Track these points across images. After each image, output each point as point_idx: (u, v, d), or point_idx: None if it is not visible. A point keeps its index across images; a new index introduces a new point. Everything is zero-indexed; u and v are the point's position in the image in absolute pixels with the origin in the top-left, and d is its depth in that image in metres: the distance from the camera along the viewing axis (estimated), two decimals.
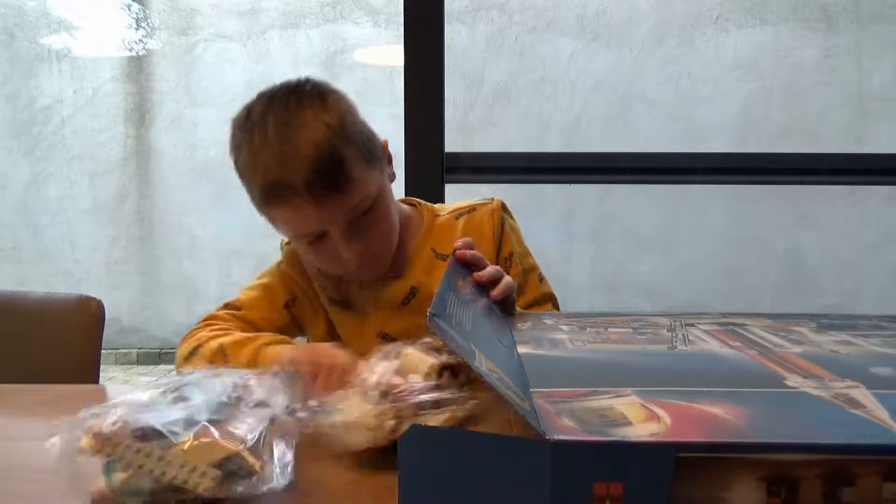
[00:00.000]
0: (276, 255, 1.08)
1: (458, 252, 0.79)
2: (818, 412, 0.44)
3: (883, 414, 0.43)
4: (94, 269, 4.87)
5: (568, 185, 3.94)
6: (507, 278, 0.80)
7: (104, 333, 1.19)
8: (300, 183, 0.85)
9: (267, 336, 0.91)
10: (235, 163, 0.92)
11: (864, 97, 4.07)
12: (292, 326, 1.03)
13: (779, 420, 0.43)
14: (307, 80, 0.92)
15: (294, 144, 0.85)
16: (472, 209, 1.06)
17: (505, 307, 0.79)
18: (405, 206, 1.06)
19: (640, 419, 0.42)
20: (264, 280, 1.04)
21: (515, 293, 0.84)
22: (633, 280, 4.31)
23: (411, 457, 0.41)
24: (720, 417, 0.42)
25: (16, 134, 4.82)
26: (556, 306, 1.07)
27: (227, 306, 1.01)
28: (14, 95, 4.80)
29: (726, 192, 4.02)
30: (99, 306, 1.18)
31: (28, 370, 1.11)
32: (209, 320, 0.98)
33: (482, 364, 0.46)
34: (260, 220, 0.95)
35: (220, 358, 0.88)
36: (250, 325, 0.98)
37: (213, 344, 0.90)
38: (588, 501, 0.38)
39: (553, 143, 4.29)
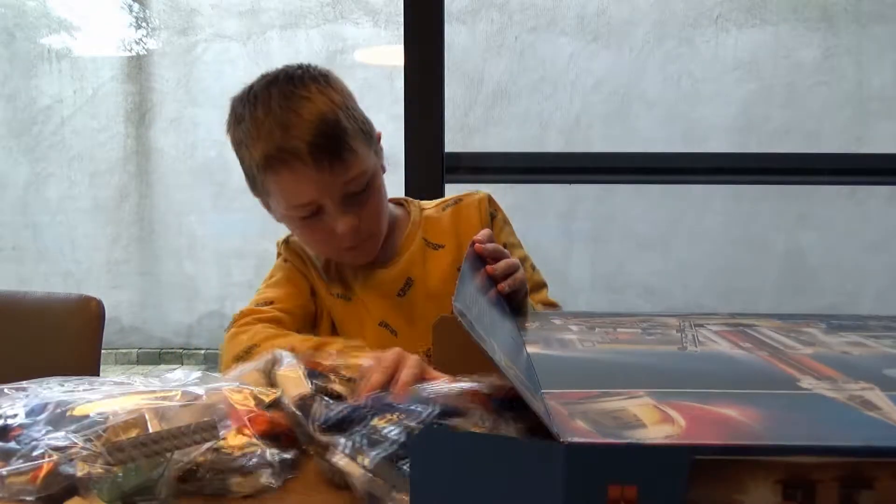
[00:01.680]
0: (275, 256, 1.07)
1: (476, 245, 0.79)
2: (834, 414, 0.43)
3: None
4: (94, 269, 4.86)
5: (568, 185, 3.93)
6: (520, 274, 0.79)
7: (104, 333, 1.18)
8: (303, 146, 0.87)
9: (339, 342, 0.85)
10: (233, 134, 0.93)
11: (864, 97, 4.06)
12: (316, 316, 1.02)
13: (794, 422, 0.42)
14: (309, 65, 0.95)
15: (298, 112, 0.88)
16: (457, 200, 1.09)
17: (514, 303, 0.78)
18: (392, 204, 1.08)
19: (654, 421, 0.41)
20: (280, 275, 1.03)
21: (527, 287, 0.84)
22: (633, 280, 4.31)
23: (423, 459, 0.41)
24: (735, 419, 0.41)
25: (16, 134, 4.81)
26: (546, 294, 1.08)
27: (256, 304, 0.97)
28: (14, 95, 4.79)
29: (726, 192, 4.02)
30: (99, 306, 1.17)
31: (28, 370, 1.10)
32: (247, 316, 0.94)
33: (502, 360, 0.45)
34: (260, 221, 0.95)
35: None
36: (289, 315, 0.96)
37: (280, 342, 0.84)
38: None
39: (553, 143, 4.29)
